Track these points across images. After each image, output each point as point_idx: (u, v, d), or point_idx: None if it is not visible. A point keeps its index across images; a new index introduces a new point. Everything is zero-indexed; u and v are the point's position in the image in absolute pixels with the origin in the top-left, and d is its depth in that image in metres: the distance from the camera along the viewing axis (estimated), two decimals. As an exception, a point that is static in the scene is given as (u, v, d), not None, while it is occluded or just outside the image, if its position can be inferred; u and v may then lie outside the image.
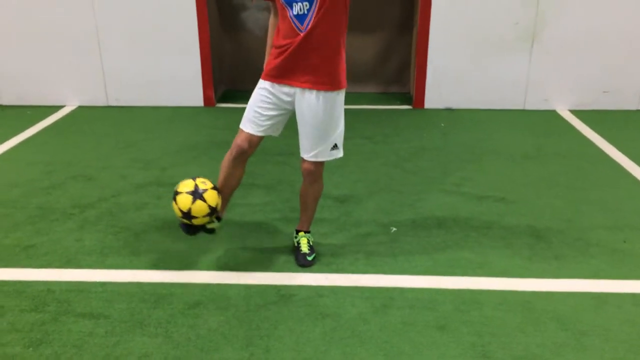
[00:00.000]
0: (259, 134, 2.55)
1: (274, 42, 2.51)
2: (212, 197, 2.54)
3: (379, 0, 5.50)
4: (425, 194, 3.48)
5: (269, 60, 2.52)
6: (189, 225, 2.62)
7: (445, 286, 2.56)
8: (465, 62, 5.04)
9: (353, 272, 2.67)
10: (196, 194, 2.51)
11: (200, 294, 2.50)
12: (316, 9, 2.33)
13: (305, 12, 2.34)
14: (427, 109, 5.18)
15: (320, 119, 2.48)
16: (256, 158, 4.01)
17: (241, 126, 2.58)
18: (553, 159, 4.04)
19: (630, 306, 2.42)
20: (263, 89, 2.51)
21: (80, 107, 5.23)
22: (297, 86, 2.46)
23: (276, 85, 2.48)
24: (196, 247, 2.87)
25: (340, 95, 2.52)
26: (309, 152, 2.55)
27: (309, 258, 2.73)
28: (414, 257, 2.79)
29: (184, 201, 2.50)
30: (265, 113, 2.52)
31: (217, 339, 2.22)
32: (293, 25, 2.38)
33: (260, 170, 3.83)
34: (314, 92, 2.44)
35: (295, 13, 2.35)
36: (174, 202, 2.54)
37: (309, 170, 2.59)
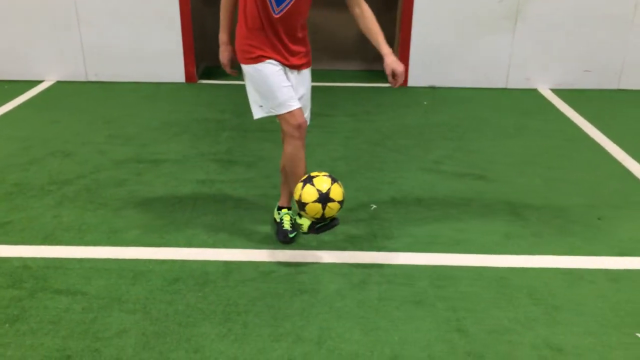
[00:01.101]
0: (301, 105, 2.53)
1: (240, 16, 2.48)
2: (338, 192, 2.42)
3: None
4: (406, 172, 3.50)
5: (249, 43, 2.47)
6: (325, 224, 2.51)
7: (422, 262, 2.59)
8: (448, 40, 5.02)
9: (332, 248, 2.69)
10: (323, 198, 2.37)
11: (178, 270, 2.50)
12: None
13: None
14: (410, 87, 5.17)
15: (306, 91, 2.61)
16: (236, 134, 4.02)
17: (286, 110, 2.45)
18: (533, 137, 4.07)
19: (603, 282, 2.47)
20: (272, 65, 2.46)
21: (58, 82, 5.14)
22: (287, 64, 2.50)
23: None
24: (175, 223, 2.87)
25: None
26: None
27: (291, 235, 2.73)
28: (393, 233, 2.81)
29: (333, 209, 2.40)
30: (289, 84, 2.50)
31: (195, 315, 2.23)
32: (268, 5, 2.36)
33: (240, 146, 3.81)
34: (302, 71, 2.56)
35: None
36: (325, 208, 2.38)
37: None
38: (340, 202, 2.43)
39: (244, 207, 3.04)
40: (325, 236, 2.76)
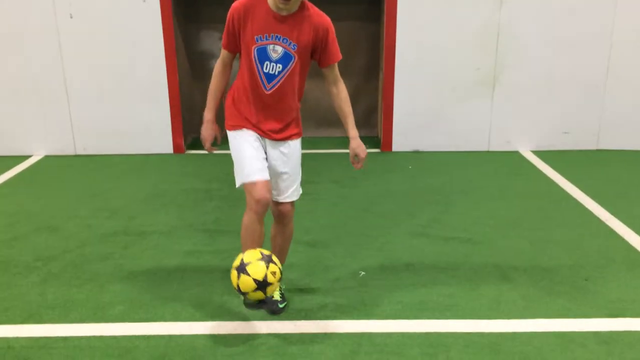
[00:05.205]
0: (269, 177, 2.52)
1: (235, 89, 2.56)
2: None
3: (346, 48, 5.63)
4: (393, 237, 3.51)
5: (233, 112, 2.55)
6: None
7: (413, 330, 2.56)
8: (430, 106, 5.18)
9: (321, 318, 2.66)
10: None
11: (165, 346, 2.45)
12: (287, 73, 2.44)
13: (276, 73, 2.44)
14: (394, 152, 5.27)
15: (293, 164, 2.61)
16: (223, 203, 4.04)
17: (251, 180, 2.44)
18: (517, 199, 4.14)
19: (594, 345, 2.45)
20: (248, 135, 2.50)
21: (47, 156, 5.18)
22: (272, 139, 2.54)
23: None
24: (162, 297, 2.83)
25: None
26: (284, 194, 2.62)
27: (281, 306, 2.71)
28: (382, 301, 2.80)
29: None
30: (263, 156, 2.53)
31: (182, 393, 2.17)
32: (259, 81, 2.45)
33: (227, 216, 3.82)
34: (288, 142, 2.57)
35: (265, 71, 2.43)
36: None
37: (286, 212, 2.66)
38: (279, 280, 2.39)
39: (232, 278, 3.02)
40: (314, 306, 2.74)
